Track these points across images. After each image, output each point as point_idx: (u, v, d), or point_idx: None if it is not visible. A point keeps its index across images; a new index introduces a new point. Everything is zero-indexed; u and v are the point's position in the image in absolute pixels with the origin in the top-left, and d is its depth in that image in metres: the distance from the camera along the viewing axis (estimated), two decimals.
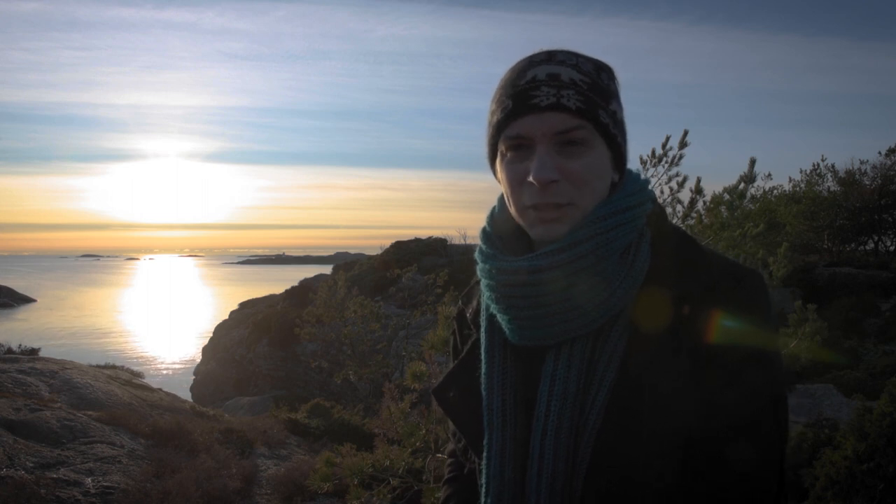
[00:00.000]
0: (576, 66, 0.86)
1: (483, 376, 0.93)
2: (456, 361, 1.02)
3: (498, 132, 0.88)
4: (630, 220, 0.87)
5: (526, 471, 0.87)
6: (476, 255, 0.95)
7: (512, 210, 0.91)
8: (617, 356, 0.83)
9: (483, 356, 0.94)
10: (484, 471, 0.91)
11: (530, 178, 0.83)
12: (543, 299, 0.85)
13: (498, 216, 0.98)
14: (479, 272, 0.94)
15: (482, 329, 0.96)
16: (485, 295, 0.93)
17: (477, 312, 1.00)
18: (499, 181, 0.94)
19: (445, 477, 1.16)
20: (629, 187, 0.91)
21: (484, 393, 0.92)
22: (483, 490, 0.91)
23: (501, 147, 0.89)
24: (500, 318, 0.91)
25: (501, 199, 0.98)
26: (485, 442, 0.91)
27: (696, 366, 0.81)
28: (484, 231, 0.97)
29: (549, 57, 0.87)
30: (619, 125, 0.89)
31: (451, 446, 1.17)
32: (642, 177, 0.95)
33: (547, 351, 0.87)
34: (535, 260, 0.85)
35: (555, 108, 0.83)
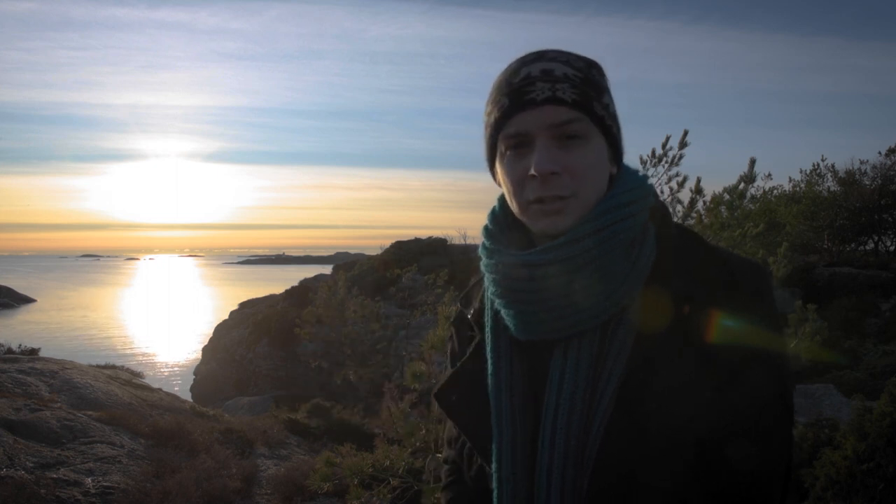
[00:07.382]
0: (567, 62, 0.87)
1: (490, 377, 0.92)
2: (458, 363, 1.00)
3: (496, 131, 0.89)
4: (632, 214, 0.87)
5: (534, 470, 0.86)
6: (480, 251, 0.96)
7: (514, 208, 0.91)
8: (624, 353, 0.83)
9: (489, 356, 0.93)
10: (495, 474, 0.89)
11: (532, 172, 0.84)
12: (542, 294, 0.85)
13: (499, 215, 0.98)
14: (483, 267, 0.94)
15: (487, 328, 0.95)
16: (489, 290, 0.93)
17: (479, 313, 1.00)
18: (498, 183, 0.95)
19: (444, 482, 1.11)
20: (629, 182, 0.91)
21: (492, 395, 0.91)
22: (496, 493, 0.89)
23: (501, 146, 0.89)
24: (504, 312, 0.91)
25: (501, 199, 0.99)
26: (494, 445, 0.90)
27: (701, 365, 0.81)
28: (486, 228, 0.97)
29: (540, 56, 0.89)
30: (614, 117, 0.90)
31: (446, 452, 1.13)
32: (640, 172, 0.95)
33: (554, 346, 0.87)
34: (532, 256, 0.86)
35: (551, 101, 0.84)
